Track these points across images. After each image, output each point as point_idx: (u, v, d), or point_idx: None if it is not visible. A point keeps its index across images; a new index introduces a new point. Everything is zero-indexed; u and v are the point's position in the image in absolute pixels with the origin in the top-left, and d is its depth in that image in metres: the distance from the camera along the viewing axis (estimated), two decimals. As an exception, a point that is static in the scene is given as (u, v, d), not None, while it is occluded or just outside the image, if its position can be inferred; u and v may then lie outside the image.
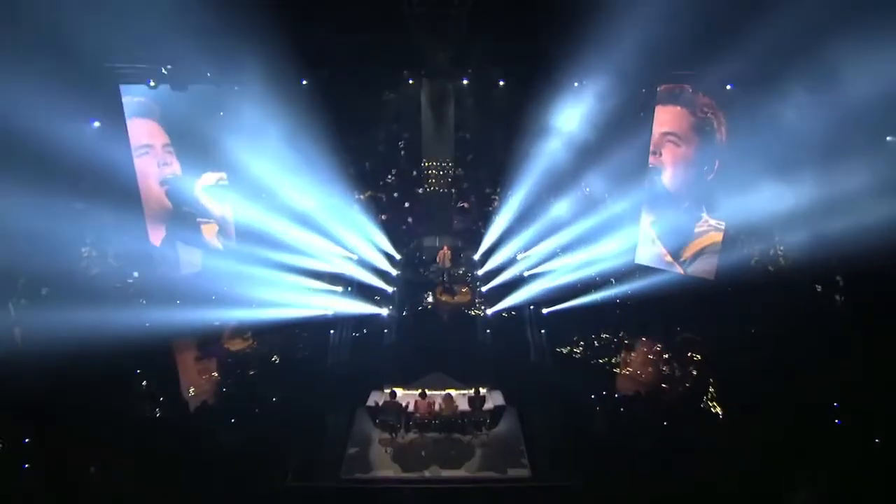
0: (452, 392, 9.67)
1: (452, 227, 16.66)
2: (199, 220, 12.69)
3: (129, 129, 11.13)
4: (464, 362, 11.27)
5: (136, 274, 12.25)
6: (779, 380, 9.21)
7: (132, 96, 11.05)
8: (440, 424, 9.19)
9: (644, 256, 13.30)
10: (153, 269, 12.03)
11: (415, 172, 16.11)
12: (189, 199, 12.30)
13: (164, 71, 10.87)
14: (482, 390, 9.67)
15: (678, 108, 12.02)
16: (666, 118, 12.24)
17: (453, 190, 16.27)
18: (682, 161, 12.17)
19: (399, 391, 9.57)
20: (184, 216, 12.39)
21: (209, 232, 12.97)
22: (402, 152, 16.12)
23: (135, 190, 11.48)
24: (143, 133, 11.39)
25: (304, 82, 12.93)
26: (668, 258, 12.84)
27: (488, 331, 12.68)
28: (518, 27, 10.65)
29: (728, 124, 11.23)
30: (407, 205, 16.45)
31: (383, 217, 15.74)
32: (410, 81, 14.40)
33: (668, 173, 12.48)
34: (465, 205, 16.75)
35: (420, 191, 16.35)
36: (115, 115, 10.97)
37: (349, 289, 13.49)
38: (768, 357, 9.77)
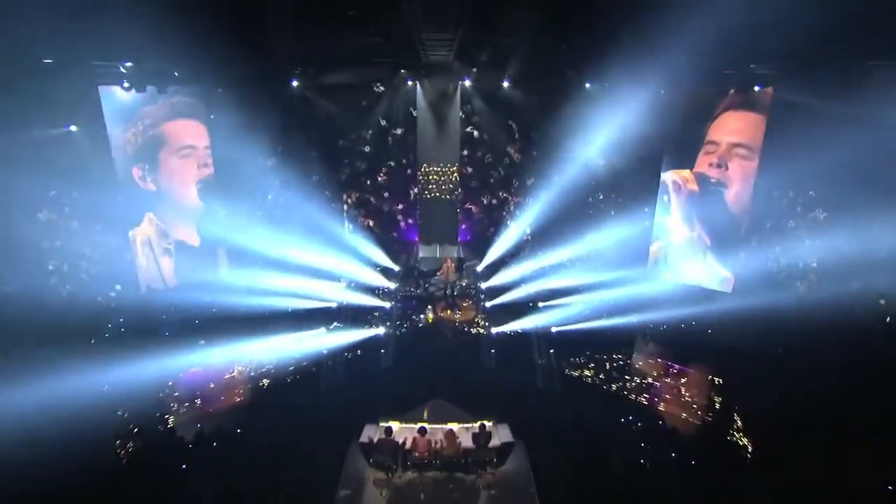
0: (454, 427, 8.77)
1: (457, 237, 15.82)
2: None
3: (172, 129, 11.11)
4: (466, 387, 10.43)
5: (118, 287, 11.53)
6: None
7: (181, 97, 11.00)
8: (441, 464, 8.31)
9: (688, 270, 12.41)
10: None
11: (409, 171, 15.20)
12: (220, 199, 12.20)
13: (140, 71, 10.04)
14: (487, 424, 8.78)
15: (753, 114, 10.82)
16: (736, 126, 11.11)
17: (457, 194, 15.39)
18: (752, 177, 11.06)
19: (395, 425, 8.71)
20: (215, 216, 12.16)
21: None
22: (397, 154, 15.16)
23: (114, 196, 10.79)
24: (188, 134, 11.38)
25: (295, 83, 12.10)
26: (723, 276, 11.93)
27: (492, 350, 11.79)
28: (529, 19, 9.64)
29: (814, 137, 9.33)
30: (400, 206, 15.56)
31: (370, 223, 14.89)
32: (409, 82, 13.48)
33: (733, 190, 11.37)
34: (473, 207, 15.83)
35: (416, 196, 15.50)
36: (93, 118, 10.27)
37: (339, 320, 12.50)
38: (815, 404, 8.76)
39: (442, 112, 14.14)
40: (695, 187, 11.90)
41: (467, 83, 13.48)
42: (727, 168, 11.32)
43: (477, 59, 11.64)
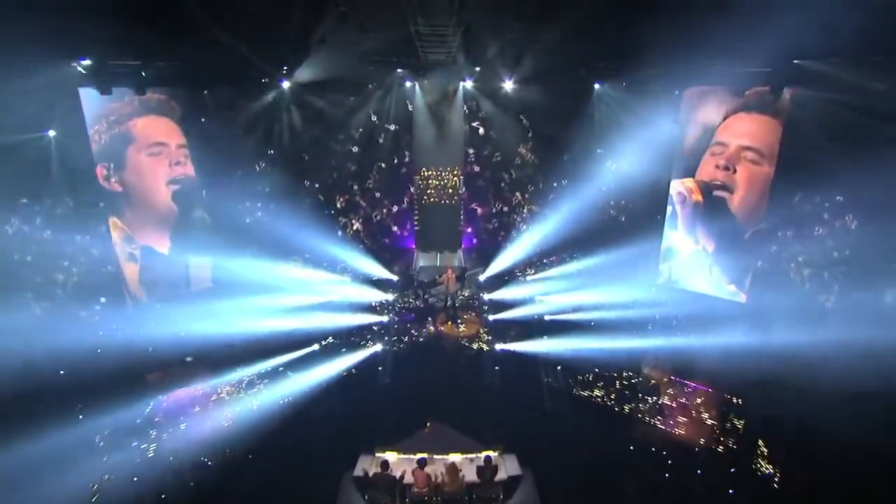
0: (457, 458, 8.09)
1: (458, 244, 15.15)
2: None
3: (140, 126, 10.33)
4: (469, 408, 9.85)
5: (102, 300, 10.87)
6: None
7: (151, 92, 10.22)
8: (443, 500, 7.62)
9: (697, 283, 11.73)
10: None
11: (405, 173, 14.54)
12: (200, 203, 11.35)
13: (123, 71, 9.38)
14: (493, 456, 8.10)
15: (767, 117, 10.12)
16: (747, 129, 10.43)
17: (458, 199, 14.71)
18: (761, 183, 10.44)
19: (392, 456, 8.03)
20: (192, 222, 11.32)
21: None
22: (392, 157, 14.47)
23: (96, 203, 10.28)
24: (158, 131, 10.59)
25: (286, 84, 11.41)
26: (732, 287, 11.25)
27: (497, 367, 11.12)
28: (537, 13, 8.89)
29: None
30: (395, 210, 14.88)
31: (360, 229, 14.22)
32: (408, 83, 12.77)
33: (739, 195, 10.75)
34: (479, 209, 15.13)
35: (413, 201, 14.84)
36: (74, 119, 9.67)
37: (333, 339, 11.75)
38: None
39: (442, 114, 13.47)
40: (699, 198, 11.33)
41: (469, 84, 12.77)
42: (734, 171, 10.71)
43: (480, 57, 10.83)
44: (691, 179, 11.33)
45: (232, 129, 11.64)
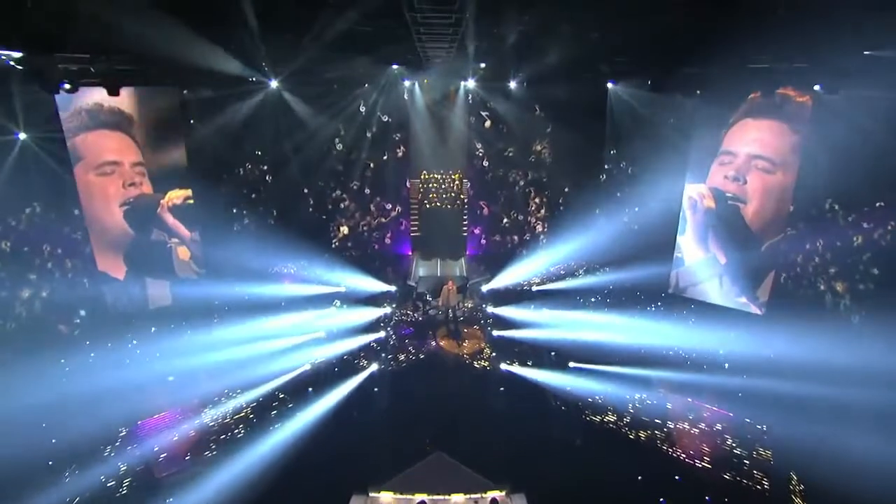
0: (460, 499, 7.32)
1: (461, 250, 14.38)
2: (170, 242, 10.79)
3: (89, 142, 9.50)
4: (472, 436, 9.07)
5: (82, 313, 10.19)
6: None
7: (100, 103, 9.33)
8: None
9: (707, 293, 11.01)
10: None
11: (402, 178, 13.76)
12: (155, 223, 10.52)
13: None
14: (499, 496, 7.33)
15: (775, 122, 9.48)
16: (756, 136, 9.76)
17: (459, 203, 13.94)
18: (778, 193, 9.74)
19: (388, 497, 7.26)
20: (151, 245, 10.55)
21: (183, 255, 10.97)
22: (386, 160, 13.70)
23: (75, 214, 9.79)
24: (110, 148, 9.73)
25: (273, 84, 10.63)
26: (742, 299, 10.55)
27: (501, 389, 10.36)
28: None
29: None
30: (392, 213, 14.11)
31: (350, 233, 13.46)
32: (406, 82, 11.97)
33: (752, 207, 10.08)
34: (486, 209, 14.37)
35: (410, 206, 14.08)
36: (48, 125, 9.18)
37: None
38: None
39: (442, 115, 12.69)
40: (711, 204, 10.65)
41: (471, 84, 11.96)
42: (745, 182, 10.07)
43: (485, 52, 9.96)
44: (704, 185, 10.68)
45: (219, 130, 11.01)
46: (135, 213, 10.18)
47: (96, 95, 9.14)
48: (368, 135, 13.10)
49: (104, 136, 9.55)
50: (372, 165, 13.55)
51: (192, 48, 8.32)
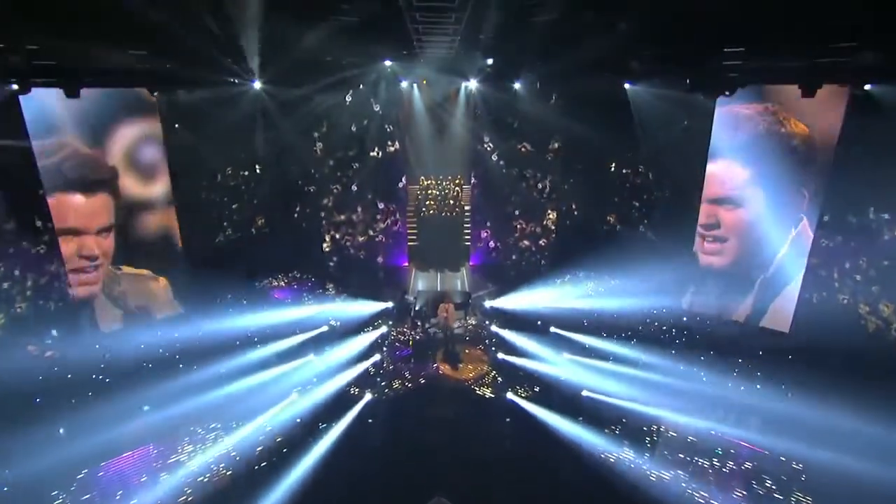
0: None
1: (462, 261, 13.49)
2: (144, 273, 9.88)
3: (59, 203, 8.53)
4: (476, 476, 8.17)
5: (54, 333, 9.16)
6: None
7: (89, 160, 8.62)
8: None
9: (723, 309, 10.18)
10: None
11: (397, 183, 12.84)
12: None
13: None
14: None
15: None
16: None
17: (459, 211, 13.04)
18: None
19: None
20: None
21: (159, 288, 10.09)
22: (380, 162, 12.81)
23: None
24: (79, 214, 8.76)
25: (257, 84, 9.70)
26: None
27: (508, 420, 9.42)
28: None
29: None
30: (383, 206, 13.18)
31: (342, 244, 12.58)
32: (403, 83, 11.04)
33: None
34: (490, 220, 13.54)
35: (407, 213, 13.20)
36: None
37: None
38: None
39: (443, 117, 11.78)
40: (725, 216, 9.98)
41: (473, 84, 11.02)
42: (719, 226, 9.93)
43: (492, 47, 8.93)
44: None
45: (201, 135, 10.15)
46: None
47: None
48: (354, 128, 12.13)
49: (77, 200, 8.64)
50: (357, 166, 12.61)
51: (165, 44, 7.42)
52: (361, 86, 11.25)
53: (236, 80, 9.61)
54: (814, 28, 5.87)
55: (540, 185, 12.93)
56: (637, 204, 11.41)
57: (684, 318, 10.40)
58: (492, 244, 13.85)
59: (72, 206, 8.66)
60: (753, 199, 9.43)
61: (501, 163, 12.95)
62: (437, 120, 12.06)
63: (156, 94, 8.81)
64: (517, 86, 11.04)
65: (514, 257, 13.45)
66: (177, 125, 9.93)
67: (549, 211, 12.91)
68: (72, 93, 7.74)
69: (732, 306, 10.10)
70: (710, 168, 9.85)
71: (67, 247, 8.73)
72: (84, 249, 8.88)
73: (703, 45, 6.42)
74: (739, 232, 9.76)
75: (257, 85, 9.84)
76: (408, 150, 13.00)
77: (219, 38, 7.94)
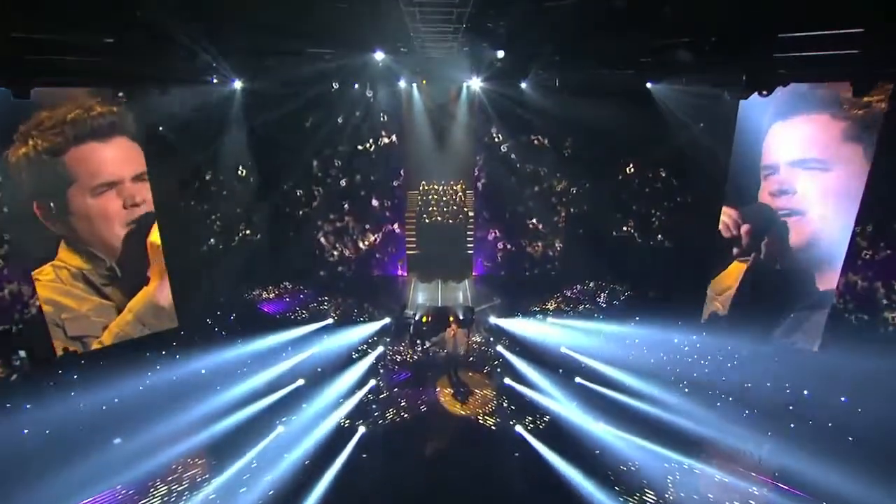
0: None
1: (466, 270, 12.58)
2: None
3: (80, 158, 8.27)
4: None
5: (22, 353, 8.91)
6: None
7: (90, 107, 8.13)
8: None
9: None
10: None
11: (393, 187, 12.17)
12: None
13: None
14: None
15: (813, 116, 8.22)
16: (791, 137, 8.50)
17: (462, 217, 12.11)
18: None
19: None
20: None
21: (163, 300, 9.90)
22: (377, 167, 11.92)
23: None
24: (105, 163, 8.52)
25: (238, 84, 8.78)
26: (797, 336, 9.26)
27: (517, 454, 8.51)
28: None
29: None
30: (385, 230, 12.30)
31: (328, 242, 11.71)
32: (401, 83, 10.09)
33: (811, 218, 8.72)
34: (495, 228, 12.63)
35: (407, 219, 12.30)
36: None
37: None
38: None
39: (444, 119, 10.86)
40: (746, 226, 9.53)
41: (476, 83, 10.06)
42: (795, 192, 8.82)
43: (498, 42, 7.90)
44: (735, 210, 9.57)
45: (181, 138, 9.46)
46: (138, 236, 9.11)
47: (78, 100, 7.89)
48: (340, 120, 11.19)
49: (96, 148, 8.27)
50: (348, 161, 11.72)
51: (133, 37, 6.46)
52: (352, 77, 10.31)
53: (214, 79, 8.70)
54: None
55: (550, 185, 12.07)
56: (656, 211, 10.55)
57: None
58: (500, 245, 12.95)
59: (95, 156, 8.35)
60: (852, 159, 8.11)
61: (513, 156, 12.04)
62: (438, 122, 11.15)
63: (121, 94, 7.81)
64: (524, 85, 10.12)
65: (525, 265, 12.58)
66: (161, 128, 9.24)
67: (560, 209, 12.06)
68: (23, 94, 6.80)
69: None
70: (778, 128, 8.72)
71: (110, 204, 8.67)
72: (127, 196, 8.84)
73: (757, 32, 5.40)
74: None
75: (237, 85, 8.92)
76: (405, 143, 12.06)
77: (193, 30, 7.01)
